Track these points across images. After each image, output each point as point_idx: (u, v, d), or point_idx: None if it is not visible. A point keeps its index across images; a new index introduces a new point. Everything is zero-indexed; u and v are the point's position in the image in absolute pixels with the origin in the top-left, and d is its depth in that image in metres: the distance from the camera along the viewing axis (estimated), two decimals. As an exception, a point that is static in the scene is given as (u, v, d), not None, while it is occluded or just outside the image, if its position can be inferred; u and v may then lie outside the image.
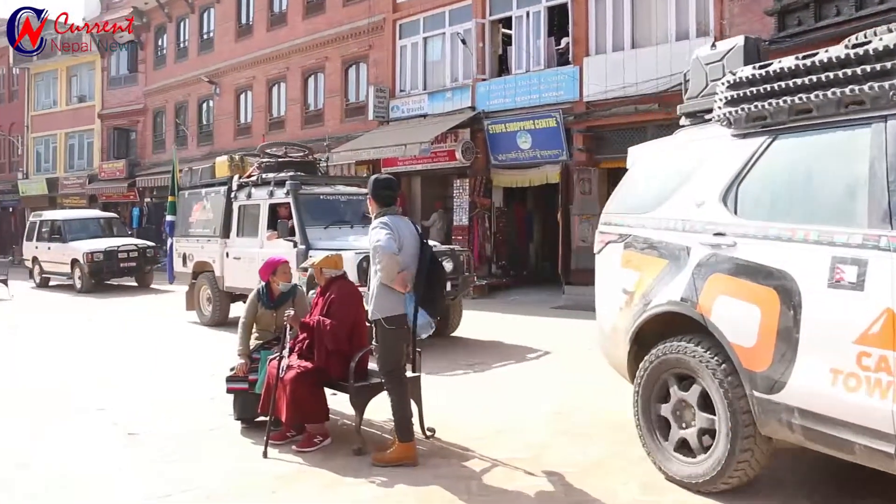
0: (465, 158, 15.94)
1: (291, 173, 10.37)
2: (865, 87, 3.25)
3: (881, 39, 3.24)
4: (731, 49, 4.36)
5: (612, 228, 4.80)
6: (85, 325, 11.88)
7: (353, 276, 7.77)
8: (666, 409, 4.21)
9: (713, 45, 4.58)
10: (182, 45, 26.62)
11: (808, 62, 3.52)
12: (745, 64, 4.10)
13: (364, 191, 9.45)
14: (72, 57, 30.40)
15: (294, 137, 18.61)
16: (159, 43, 27.80)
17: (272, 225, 9.91)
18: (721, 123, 4.05)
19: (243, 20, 23.90)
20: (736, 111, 3.89)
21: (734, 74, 3.95)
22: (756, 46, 4.40)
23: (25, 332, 11.25)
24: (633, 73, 13.34)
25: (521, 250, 17.24)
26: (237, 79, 23.77)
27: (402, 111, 17.95)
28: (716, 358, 3.80)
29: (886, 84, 3.18)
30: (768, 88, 3.71)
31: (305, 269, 5.29)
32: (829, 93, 3.40)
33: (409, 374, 4.98)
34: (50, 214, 20.48)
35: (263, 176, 10.60)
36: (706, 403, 3.93)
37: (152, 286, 17.85)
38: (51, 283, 19.10)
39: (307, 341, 5.14)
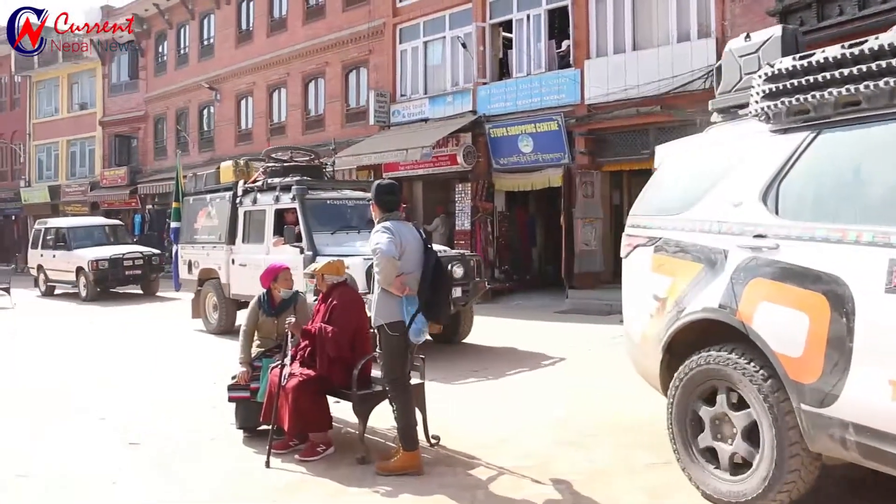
0: (466, 162, 15.91)
1: (298, 178, 10.24)
2: None
3: None
4: (767, 40, 4.07)
5: (640, 231, 4.55)
6: (88, 333, 11.82)
7: (361, 282, 7.72)
8: (705, 422, 3.92)
9: (747, 36, 4.27)
10: (182, 52, 26.64)
11: (855, 51, 3.29)
12: (784, 55, 3.82)
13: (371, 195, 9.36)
14: (73, 64, 30.49)
15: (295, 143, 18.57)
16: (160, 49, 27.83)
17: (278, 231, 9.76)
18: (758, 119, 3.82)
19: (243, 26, 23.91)
20: (775, 105, 3.65)
21: (772, 66, 3.69)
22: (794, 36, 4.11)
23: (25, 339, 11.20)
24: (635, 76, 13.30)
25: (524, 254, 17.19)
26: (238, 85, 23.77)
27: (402, 116, 17.93)
28: (759, 369, 3.55)
29: None
30: (811, 80, 3.46)
31: (312, 276, 5.25)
32: (881, 83, 3.15)
33: (413, 381, 4.92)
34: (54, 222, 20.41)
35: (269, 181, 10.46)
36: (748, 417, 3.68)
37: (158, 294, 17.77)
38: (56, 292, 19.02)
39: (309, 349, 5.08)
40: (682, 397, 4.01)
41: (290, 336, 5.14)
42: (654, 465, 4.57)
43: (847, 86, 3.31)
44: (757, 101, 3.78)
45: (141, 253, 18.00)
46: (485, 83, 16.07)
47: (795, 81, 3.54)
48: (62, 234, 18.69)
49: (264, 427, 5.14)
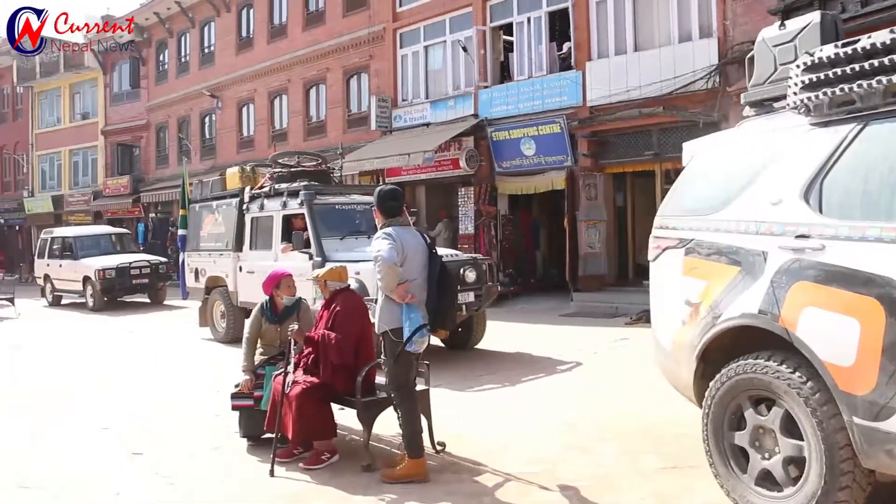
0: (469, 166, 15.87)
1: (305, 183, 10.07)
2: None
3: None
4: (805, 27, 3.82)
5: (669, 233, 4.29)
6: (94, 340, 11.80)
7: (371, 288, 7.63)
8: (742, 436, 3.69)
9: (782, 24, 4.02)
10: (183, 60, 26.68)
11: None
12: (823, 43, 3.59)
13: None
14: (74, 74, 30.57)
15: (297, 149, 18.56)
16: (161, 58, 27.88)
17: (286, 237, 9.60)
18: (797, 111, 3.59)
19: (243, 33, 23.94)
20: (816, 96, 3.41)
21: (811, 55, 3.46)
22: (834, 23, 3.85)
23: (31, 347, 11.18)
24: (637, 77, 13.25)
25: (528, 258, 17.14)
26: (239, 92, 23.79)
27: (404, 120, 17.90)
28: (805, 379, 3.30)
29: None
30: (856, 69, 3.24)
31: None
32: None
33: (418, 387, 4.88)
34: (61, 231, 20.36)
35: (276, 186, 10.29)
36: (791, 428, 3.42)
37: (166, 302, 17.70)
38: (63, 301, 18.93)
39: (312, 356, 5.04)
40: (718, 408, 3.77)
41: (293, 343, 5.10)
42: (663, 470, 4.52)
43: None
44: (796, 93, 3.55)
45: (148, 261, 17.90)
46: (486, 87, 16.04)
47: (839, 70, 3.32)
48: (68, 243, 18.62)
49: (268, 435, 5.10)
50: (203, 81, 25.02)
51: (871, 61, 3.20)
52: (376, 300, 4.67)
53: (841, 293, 3.17)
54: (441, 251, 9.10)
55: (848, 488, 3.20)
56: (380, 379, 5.03)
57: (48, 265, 19.21)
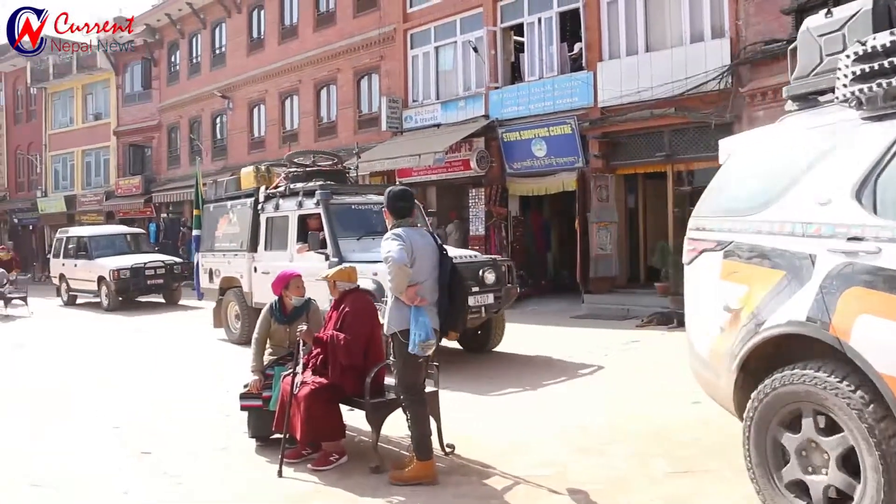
0: (479, 167, 15.84)
1: (321, 182, 9.96)
2: None
3: None
4: (854, 14, 3.55)
5: (706, 234, 4.07)
6: (107, 340, 11.85)
7: (388, 289, 7.57)
8: (789, 451, 3.47)
9: (828, 12, 3.75)
10: (195, 61, 26.78)
11: None
12: (876, 31, 3.35)
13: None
14: (87, 75, 30.78)
15: (308, 150, 18.59)
16: (172, 59, 28.01)
17: (302, 237, 9.48)
18: (847, 105, 3.38)
19: (255, 34, 24.01)
20: (869, 88, 3.20)
21: (863, 44, 3.25)
22: (888, 8, 3.53)
23: (44, 347, 11.23)
24: (648, 78, 13.17)
25: (539, 259, 17.07)
26: (250, 93, 23.86)
27: (415, 121, 17.89)
28: (859, 392, 3.08)
29: None
30: None
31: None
32: None
33: (427, 388, 4.85)
34: (76, 231, 20.39)
35: (291, 186, 10.14)
36: (843, 443, 3.22)
37: (181, 303, 17.70)
38: (78, 301, 18.99)
39: (321, 357, 5.03)
40: (761, 421, 3.54)
41: (302, 344, 5.09)
42: (674, 473, 4.47)
43: None
44: (845, 85, 3.34)
45: (162, 262, 17.88)
46: (497, 87, 16.00)
47: (895, 59, 3.13)
48: (83, 243, 18.62)
49: (277, 436, 5.08)
50: (214, 82, 25.11)
51: None
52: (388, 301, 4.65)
53: None
54: (459, 252, 9.07)
55: None
56: (389, 380, 5.01)
57: (63, 265, 19.25)
